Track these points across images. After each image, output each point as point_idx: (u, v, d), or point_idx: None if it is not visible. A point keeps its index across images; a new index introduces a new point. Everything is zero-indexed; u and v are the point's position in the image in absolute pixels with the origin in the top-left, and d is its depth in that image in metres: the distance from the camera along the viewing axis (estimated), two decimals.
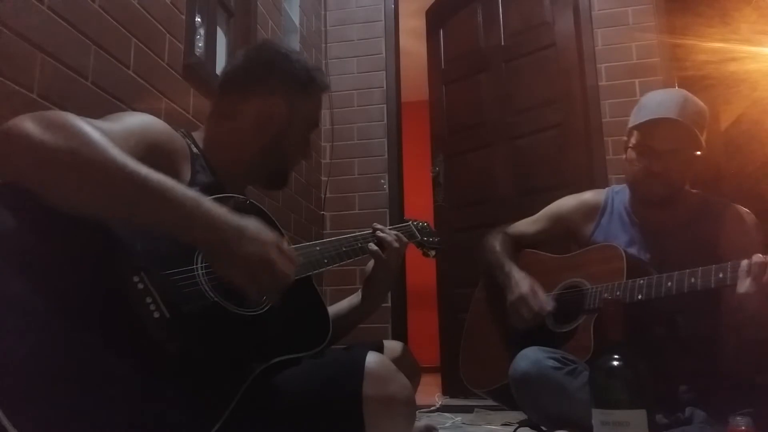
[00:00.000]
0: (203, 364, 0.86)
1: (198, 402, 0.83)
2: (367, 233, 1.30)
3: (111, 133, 0.89)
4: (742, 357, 1.30)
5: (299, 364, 1.00)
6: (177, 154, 1.07)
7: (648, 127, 1.46)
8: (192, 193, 0.85)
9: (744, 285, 1.19)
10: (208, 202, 0.85)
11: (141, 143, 0.96)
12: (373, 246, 1.26)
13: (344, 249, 1.22)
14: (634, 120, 1.51)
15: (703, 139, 1.44)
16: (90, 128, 0.82)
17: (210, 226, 0.84)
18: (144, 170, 0.81)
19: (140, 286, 0.84)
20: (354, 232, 1.29)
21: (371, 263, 1.30)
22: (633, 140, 1.51)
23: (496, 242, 1.71)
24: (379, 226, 1.31)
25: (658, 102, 1.49)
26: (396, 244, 1.28)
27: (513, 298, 1.54)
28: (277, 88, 1.20)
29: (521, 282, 1.55)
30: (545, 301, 1.51)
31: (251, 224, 0.89)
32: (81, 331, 0.75)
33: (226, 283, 0.90)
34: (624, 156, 1.58)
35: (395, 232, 1.31)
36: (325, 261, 1.17)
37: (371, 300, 1.33)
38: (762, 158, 2.45)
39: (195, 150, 1.13)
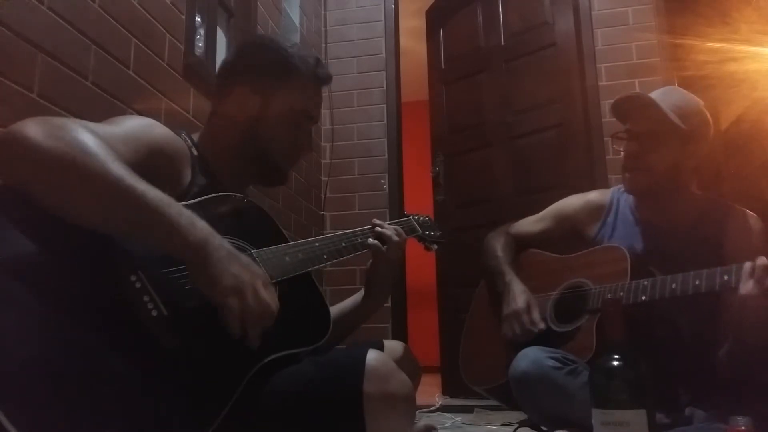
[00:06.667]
0: (202, 362, 0.86)
1: (197, 399, 0.83)
2: (366, 229, 1.29)
3: (112, 137, 0.90)
4: (742, 359, 1.30)
5: (300, 361, 1.00)
6: (177, 157, 1.07)
7: (620, 109, 1.51)
8: (188, 212, 0.85)
9: (746, 287, 1.18)
10: (203, 223, 0.86)
11: (142, 147, 0.96)
12: (372, 240, 1.25)
13: (344, 245, 1.21)
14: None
15: (685, 128, 1.41)
16: (91, 138, 0.83)
17: (203, 246, 0.84)
18: (141, 186, 0.82)
19: (138, 285, 0.84)
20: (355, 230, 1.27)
21: (371, 261, 1.29)
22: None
23: (498, 245, 1.70)
24: (378, 222, 1.30)
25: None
26: (396, 238, 1.27)
27: (508, 312, 1.54)
28: (251, 79, 1.18)
29: (519, 296, 1.54)
30: (538, 320, 1.50)
31: (244, 257, 0.90)
32: (79, 332, 0.76)
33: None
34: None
35: (394, 226, 1.30)
36: (325, 257, 1.16)
37: (373, 297, 1.32)
38: (762, 158, 2.45)
39: (195, 152, 1.13)
